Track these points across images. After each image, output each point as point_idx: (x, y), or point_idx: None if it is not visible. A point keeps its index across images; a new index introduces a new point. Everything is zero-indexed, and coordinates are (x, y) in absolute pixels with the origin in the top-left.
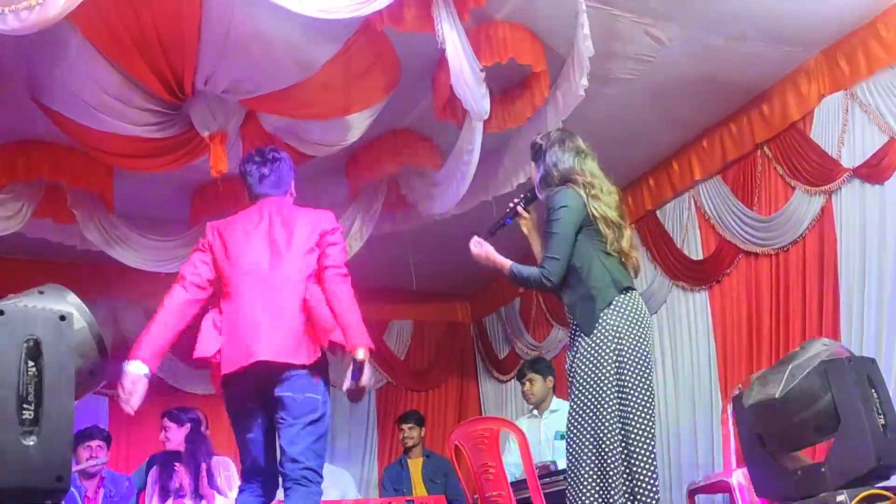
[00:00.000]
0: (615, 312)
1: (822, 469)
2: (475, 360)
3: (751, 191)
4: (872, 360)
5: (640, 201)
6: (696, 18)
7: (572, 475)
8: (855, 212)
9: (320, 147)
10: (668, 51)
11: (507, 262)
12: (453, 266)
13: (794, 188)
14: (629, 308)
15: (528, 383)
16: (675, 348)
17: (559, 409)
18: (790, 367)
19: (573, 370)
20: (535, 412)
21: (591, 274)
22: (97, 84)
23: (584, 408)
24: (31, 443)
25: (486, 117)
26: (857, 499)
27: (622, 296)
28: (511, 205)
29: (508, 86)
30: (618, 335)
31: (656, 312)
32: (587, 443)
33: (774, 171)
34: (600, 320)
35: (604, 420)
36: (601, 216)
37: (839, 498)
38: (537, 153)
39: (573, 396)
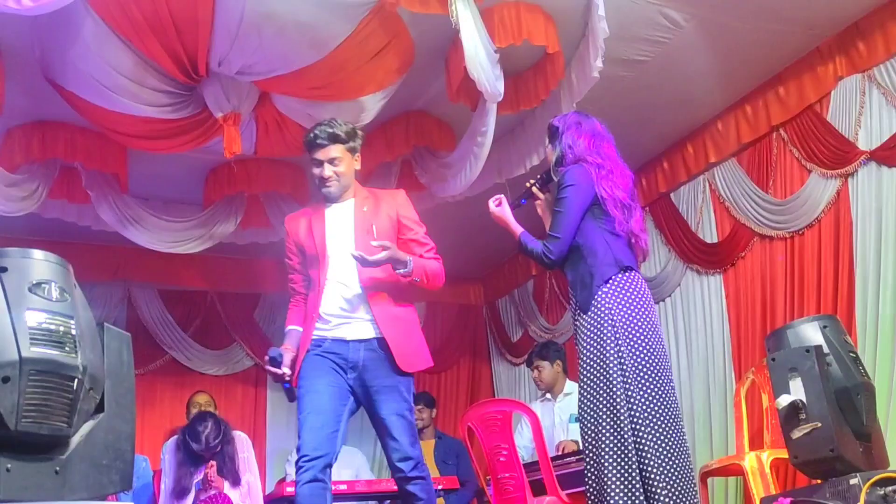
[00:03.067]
0: (612, 290)
1: None
2: (488, 342)
3: (766, 174)
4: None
5: (654, 184)
6: (711, 0)
7: (592, 456)
8: (871, 195)
9: None
10: (683, 32)
11: (518, 229)
12: (466, 248)
13: (809, 171)
14: (627, 287)
15: (536, 371)
16: (688, 332)
17: (572, 392)
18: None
19: (578, 351)
20: (549, 396)
21: (594, 252)
22: (111, 65)
23: (595, 388)
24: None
25: (500, 99)
26: (868, 483)
27: (621, 274)
28: (527, 185)
29: (522, 67)
30: (612, 313)
31: (670, 296)
32: (604, 422)
33: (790, 153)
34: (596, 298)
35: (616, 397)
36: (610, 197)
37: (852, 482)
38: (553, 134)
39: (581, 377)
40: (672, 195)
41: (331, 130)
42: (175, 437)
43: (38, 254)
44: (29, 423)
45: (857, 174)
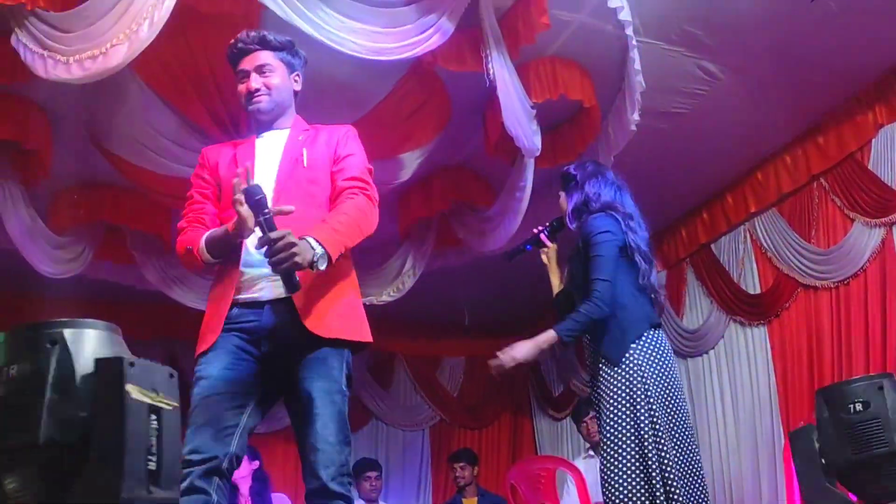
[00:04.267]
0: (644, 347)
1: None
2: (529, 397)
3: (808, 223)
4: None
5: (694, 235)
6: (747, 51)
7: None
8: None
9: None
10: (720, 84)
11: (549, 333)
12: (505, 302)
13: (852, 220)
14: (657, 345)
15: (585, 426)
16: (734, 384)
17: None
18: None
19: (602, 404)
20: (592, 452)
21: (623, 305)
22: (155, 128)
23: (625, 445)
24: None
25: (537, 154)
26: None
27: (652, 331)
28: (535, 231)
29: (559, 121)
30: (644, 371)
31: (713, 348)
32: (635, 482)
33: (832, 202)
34: (630, 353)
35: (648, 458)
36: (637, 248)
37: None
38: (569, 182)
39: (608, 432)
40: (713, 246)
41: (256, 34)
42: None
43: (84, 323)
44: None
45: None
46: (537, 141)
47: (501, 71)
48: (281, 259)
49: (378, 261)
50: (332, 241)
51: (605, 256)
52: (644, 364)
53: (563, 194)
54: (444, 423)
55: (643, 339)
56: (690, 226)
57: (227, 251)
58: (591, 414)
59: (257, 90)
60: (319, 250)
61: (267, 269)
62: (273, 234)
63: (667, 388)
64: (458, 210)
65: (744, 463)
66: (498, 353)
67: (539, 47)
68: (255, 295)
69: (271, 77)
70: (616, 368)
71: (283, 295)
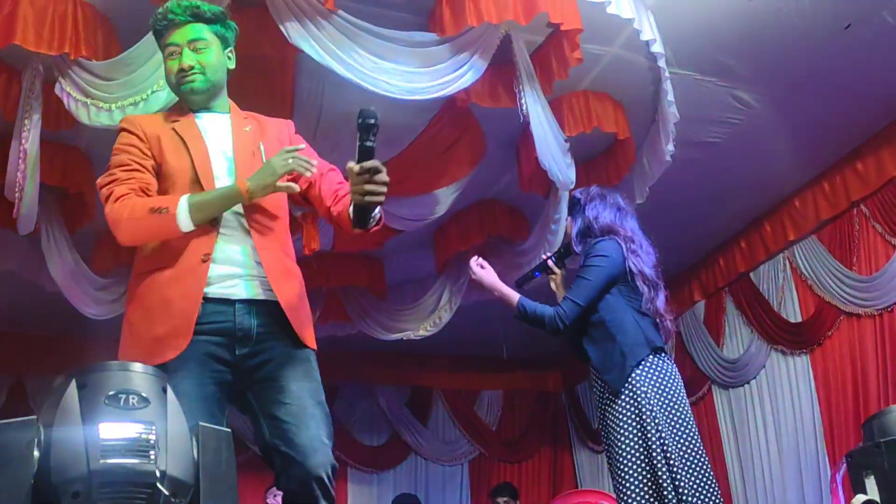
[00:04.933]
0: (646, 373)
1: None
2: (568, 429)
3: (849, 250)
4: None
5: (733, 264)
6: (781, 79)
7: None
8: None
9: (408, 222)
10: (755, 112)
11: (514, 295)
12: (542, 334)
13: (895, 246)
14: (661, 369)
15: None
16: (777, 415)
17: None
18: None
19: (610, 438)
20: None
21: (623, 330)
22: None
23: (640, 476)
24: None
25: (572, 187)
26: None
27: (653, 356)
28: (544, 257)
29: (594, 153)
30: (648, 398)
31: (755, 378)
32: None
33: (873, 229)
34: (630, 380)
35: (664, 489)
36: (639, 272)
37: None
38: (575, 206)
39: (617, 465)
40: (752, 274)
41: (188, 3)
42: None
43: (116, 365)
44: None
45: None
46: (571, 174)
47: (535, 106)
48: (377, 191)
49: (415, 296)
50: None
51: (589, 281)
52: (649, 390)
53: (569, 219)
54: (484, 457)
55: (643, 364)
56: (728, 255)
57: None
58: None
59: (191, 68)
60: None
61: (239, 268)
62: (379, 164)
63: (672, 412)
64: (494, 243)
65: (788, 494)
66: (475, 266)
67: (572, 81)
68: (228, 292)
69: (205, 53)
70: (620, 399)
71: (262, 297)
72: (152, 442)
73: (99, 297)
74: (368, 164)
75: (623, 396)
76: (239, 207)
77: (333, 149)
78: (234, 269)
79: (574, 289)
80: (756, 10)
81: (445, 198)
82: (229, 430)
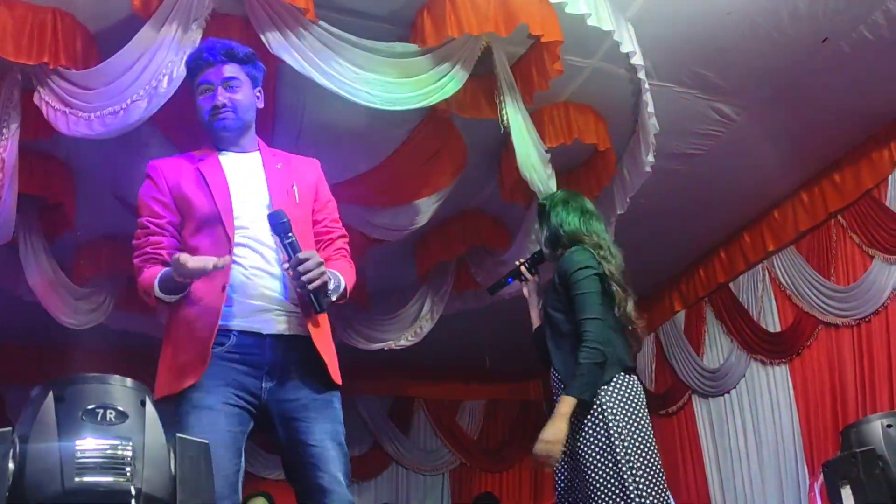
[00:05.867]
0: (616, 392)
1: None
2: None
3: (827, 261)
4: None
5: (713, 274)
6: (760, 92)
7: None
8: None
9: (390, 231)
10: (735, 125)
11: (568, 400)
12: (524, 344)
13: (872, 257)
14: (629, 389)
15: None
16: (756, 424)
17: None
18: None
19: (579, 451)
20: None
21: None
22: None
23: (610, 492)
24: None
25: None
26: None
27: (624, 375)
28: (517, 264)
29: (574, 164)
30: (617, 417)
31: (735, 387)
32: None
33: (850, 240)
34: (599, 396)
35: (629, 493)
36: (611, 276)
37: None
38: (542, 213)
39: (588, 477)
40: (731, 285)
41: (223, 44)
42: None
43: (94, 378)
44: None
45: None
46: (552, 184)
47: (515, 117)
48: (312, 277)
49: (396, 305)
50: (339, 278)
51: (590, 293)
52: (618, 411)
53: (538, 226)
54: (465, 467)
55: (613, 382)
56: (709, 265)
57: (183, 288)
58: None
59: (224, 106)
60: (333, 282)
61: (265, 302)
62: (301, 255)
63: (639, 434)
64: (475, 253)
65: (769, 502)
66: (534, 451)
67: (553, 92)
68: (257, 326)
69: (238, 93)
70: (587, 414)
71: (289, 332)
72: (128, 458)
73: (78, 306)
74: (293, 261)
75: (592, 414)
76: (272, 242)
77: (314, 157)
78: (266, 304)
79: (581, 309)
80: (735, 23)
81: (427, 208)
82: (206, 441)
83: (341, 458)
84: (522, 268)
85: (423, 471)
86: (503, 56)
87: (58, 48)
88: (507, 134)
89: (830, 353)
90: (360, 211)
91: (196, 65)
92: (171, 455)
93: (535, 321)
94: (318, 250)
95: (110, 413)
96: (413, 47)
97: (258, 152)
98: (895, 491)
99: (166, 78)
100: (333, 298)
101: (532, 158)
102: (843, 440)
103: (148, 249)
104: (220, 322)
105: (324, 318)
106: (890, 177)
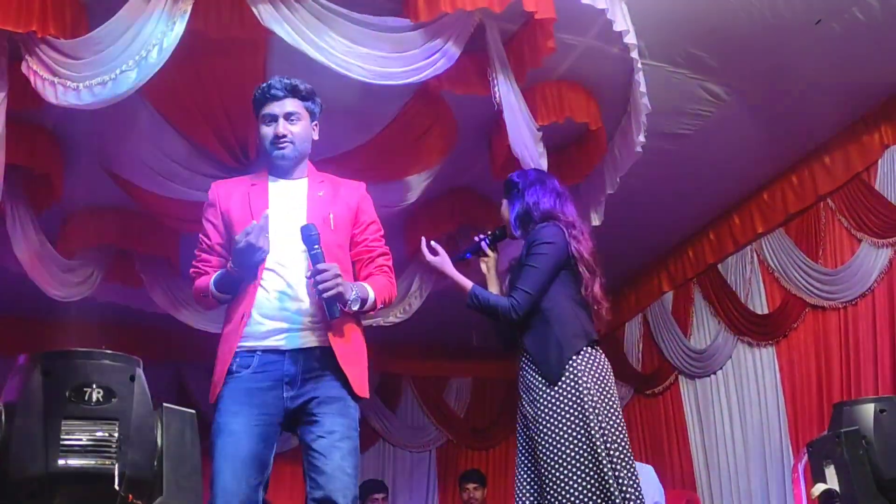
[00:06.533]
0: (584, 363)
1: None
2: None
3: (815, 243)
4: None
5: (702, 255)
6: (752, 73)
7: None
8: None
9: (379, 208)
10: (725, 105)
11: (468, 283)
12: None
13: (860, 240)
14: (597, 362)
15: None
16: (742, 405)
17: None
18: None
19: (546, 426)
20: None
21: (562, 320)
22: (165, 152)
23: (580, 460)
24: None
25: None
26: None
27: (591, 348)
28: (476, 239)
29: (566, 143)
30: (588, 387)
31: (721, 368)
32: (591, 494)
33: (839, 223)
34: (567, 369)
35: (605, 475)
36: (581, 258)
37: None
38: (511, 190)
39: (555, 452)
40: (719, 266)
41: (288, 81)
42: None
43: (82, 353)
44: None
45: None
46: (543, 163)
47: (507, 94)
48: (328, 286)
49: None
50: (366, 290)
51: (539, 269)
52: (588, 380)
53: (505, 202)
54: (452, 444)
55: (581, 355)
56: (698, 246)
57: (235, 285)
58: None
59: (284, 136)
60: (355, 293)
61: (286, 322)
62: (321, 266)
63: (608, 406)
64: (465, 231)
65: (753, 482)
66: (427, 251)
67: (545, 70)
68: (278, 344)
69: (298, 125)
70: (555, 388)
71: (308, 345)
72: (113, 442)
73: (65, 279)
74: (312, 271)
75: (562, 385)
76: (299, 266)
77: None
78: (287, 324)
79: (524, 278)
80: (728, 3)
81: (417, 185)
82: (192, 412)
83: (349, 450)
84: (483, 244)
85: (410, 447)
86: (496, 32)
87: (46, 17)
88: (499, 111)
89: (817, 336)
90: None
91: (263, 97)
92: (159, 425)
93: None
94: (358, 269)
95: (98, 392)
96: (405, 22)
97: (306, 179)
98: (878, 472)
99: (156, 48)
100: (356, 308)
101: (523, 136)
102: (833, 415)
103: (199, 265)
104: (241, 343)
105: (353, 331)
106: (879, 160)
